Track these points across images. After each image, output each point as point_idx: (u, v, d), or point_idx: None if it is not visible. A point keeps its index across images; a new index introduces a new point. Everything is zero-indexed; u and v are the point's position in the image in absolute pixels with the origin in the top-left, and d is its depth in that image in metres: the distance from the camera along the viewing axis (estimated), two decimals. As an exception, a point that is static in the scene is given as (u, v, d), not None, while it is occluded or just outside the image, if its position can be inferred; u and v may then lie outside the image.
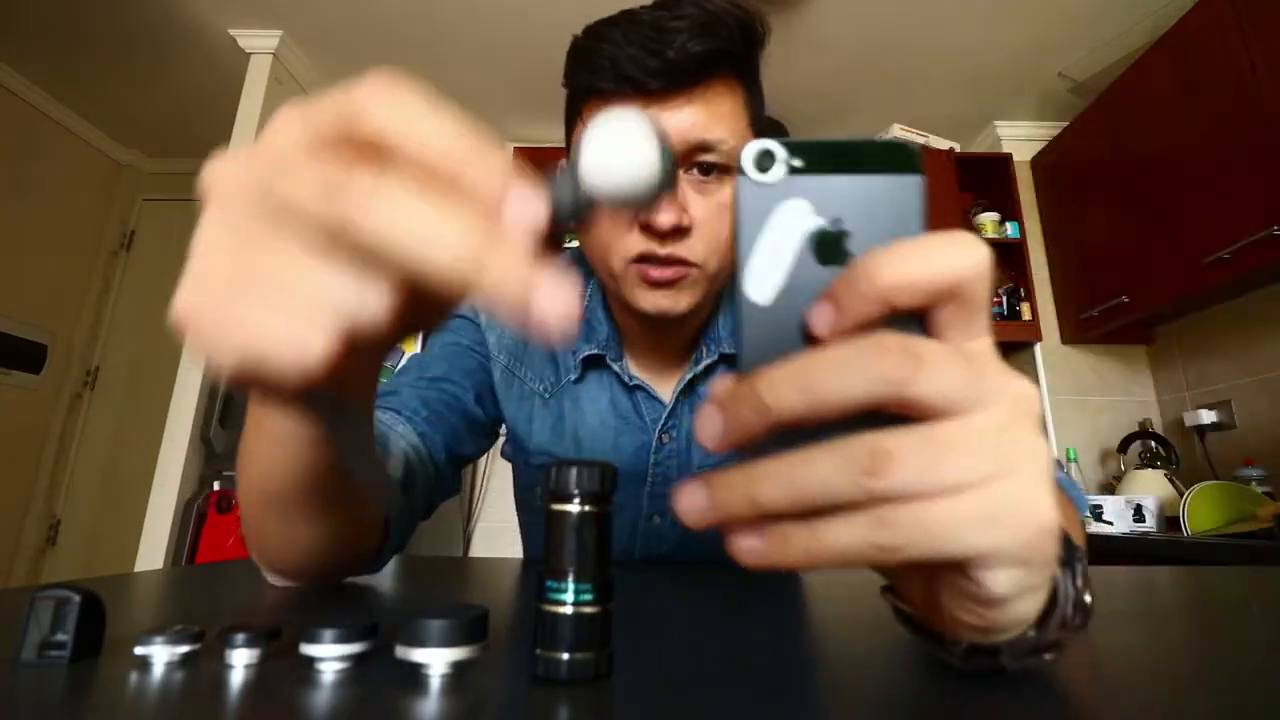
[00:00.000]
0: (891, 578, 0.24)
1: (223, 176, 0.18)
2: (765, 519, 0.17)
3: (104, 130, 2.97)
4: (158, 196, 3.14)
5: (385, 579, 0.48)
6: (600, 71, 0.53)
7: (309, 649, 0.22)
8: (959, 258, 0.17)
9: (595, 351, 0.64)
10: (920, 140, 2.57)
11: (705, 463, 0.63)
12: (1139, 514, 1.81)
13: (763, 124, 0.60)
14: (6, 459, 2.64)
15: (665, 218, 0.52)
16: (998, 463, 0.17)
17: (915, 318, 0.18)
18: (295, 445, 0.31)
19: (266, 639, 0.23)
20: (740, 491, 0.17)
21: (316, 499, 0.35)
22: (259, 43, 2.29)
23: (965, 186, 2.61)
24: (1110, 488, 2.26)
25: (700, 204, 0.54)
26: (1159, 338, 2.39)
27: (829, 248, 0.19)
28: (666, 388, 0.65)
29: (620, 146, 0.19)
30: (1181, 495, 1.77)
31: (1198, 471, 2.07)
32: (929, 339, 0.17)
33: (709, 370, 0.64)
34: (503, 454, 0.73)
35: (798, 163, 0.19)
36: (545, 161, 2.47)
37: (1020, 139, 2.70)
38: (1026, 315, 2.43)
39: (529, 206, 0.17)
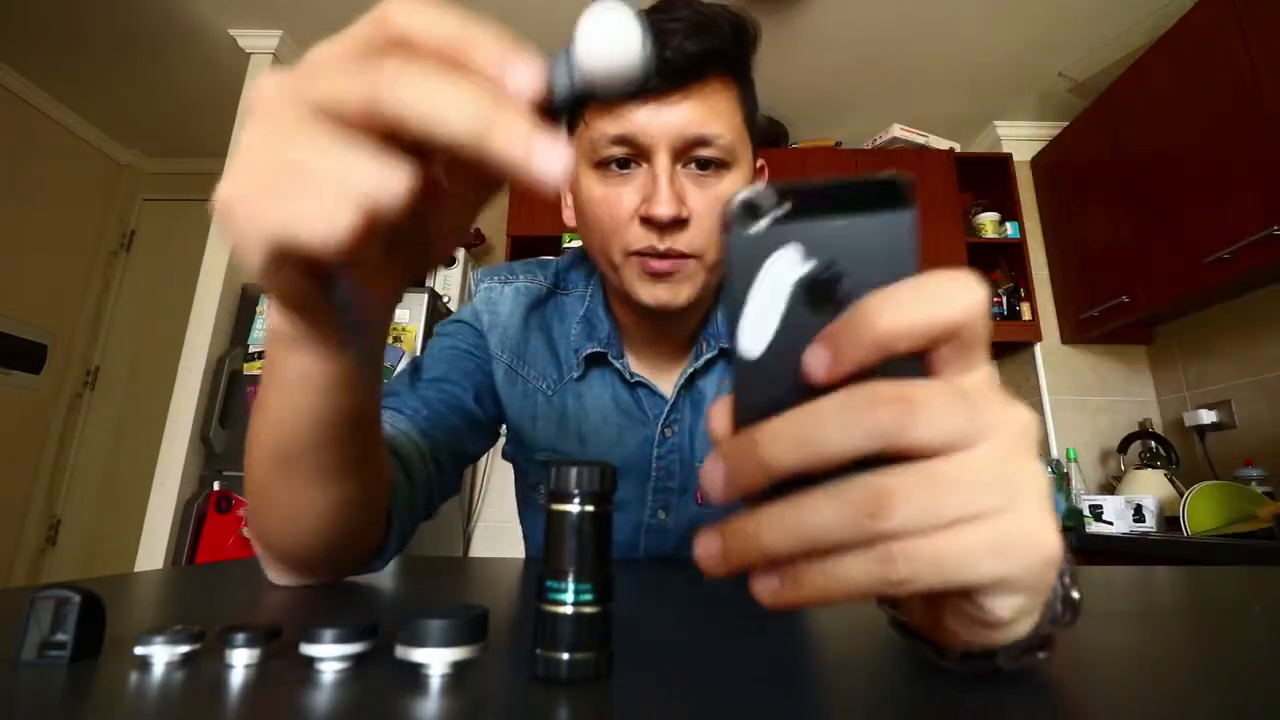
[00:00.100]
0: (893, 597, 0.24)
1: (265, 90, 0.21)
2: (778, 562, 0.18)
3: (104, 130, 2.97)
4: (158, 196, 3.14)
5: (385, 579, 0.48)
6: None
7: (309, 649, 0.22)
8: (957, 300, 0.17)
9: (597, 349, 0.65)
10: (920, 140, 2.57)
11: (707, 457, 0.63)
12: (1139, 514, 1.81)
13: (757, 122, 0.62)
14: (6, 459, 2.64)
15: (664, 209, 0.53)
16: (1000, 495, 0.17)
17: (913, 354, 0.18)
18: (315, 384, 0.31)
19: (266, 639, 0.23)
20: (751, 542, 0.18)
21: (330, 450, 0.35)
22: (259, 43, 2.29)
23: (965, 186, 2.61)
24: (1110, 488, 2.26)
25: (698, 196, 0.56)
26: (1159, 338, 2.39)
27: (822, 292, 0.18)
28: (668, 383, 0.66)
29: (609, 29, 0.22)
30: (1181, 495, 1.77)
31: (1198, 471, 2.07)
32: (924, 380, 0.18)
33: (709, 365, 0.65)
34: (503, 455, 0.73)
35: (784, 210, 0.18)
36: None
37: (1020, 139, 2.70)
38: (1026, 315, 2.42)
39: (528, 77, 0.20)
